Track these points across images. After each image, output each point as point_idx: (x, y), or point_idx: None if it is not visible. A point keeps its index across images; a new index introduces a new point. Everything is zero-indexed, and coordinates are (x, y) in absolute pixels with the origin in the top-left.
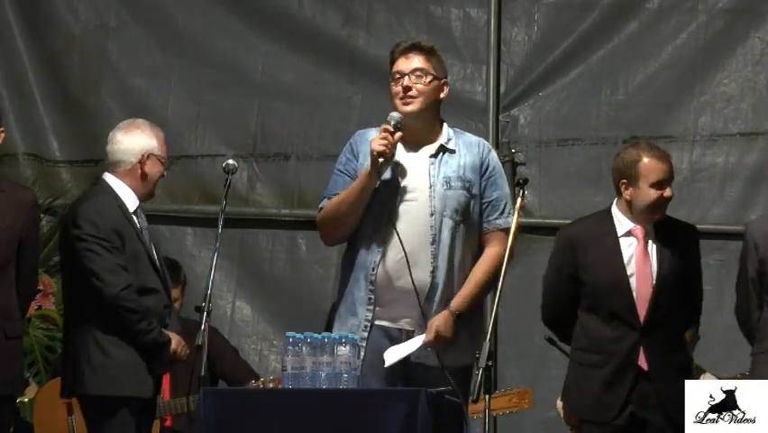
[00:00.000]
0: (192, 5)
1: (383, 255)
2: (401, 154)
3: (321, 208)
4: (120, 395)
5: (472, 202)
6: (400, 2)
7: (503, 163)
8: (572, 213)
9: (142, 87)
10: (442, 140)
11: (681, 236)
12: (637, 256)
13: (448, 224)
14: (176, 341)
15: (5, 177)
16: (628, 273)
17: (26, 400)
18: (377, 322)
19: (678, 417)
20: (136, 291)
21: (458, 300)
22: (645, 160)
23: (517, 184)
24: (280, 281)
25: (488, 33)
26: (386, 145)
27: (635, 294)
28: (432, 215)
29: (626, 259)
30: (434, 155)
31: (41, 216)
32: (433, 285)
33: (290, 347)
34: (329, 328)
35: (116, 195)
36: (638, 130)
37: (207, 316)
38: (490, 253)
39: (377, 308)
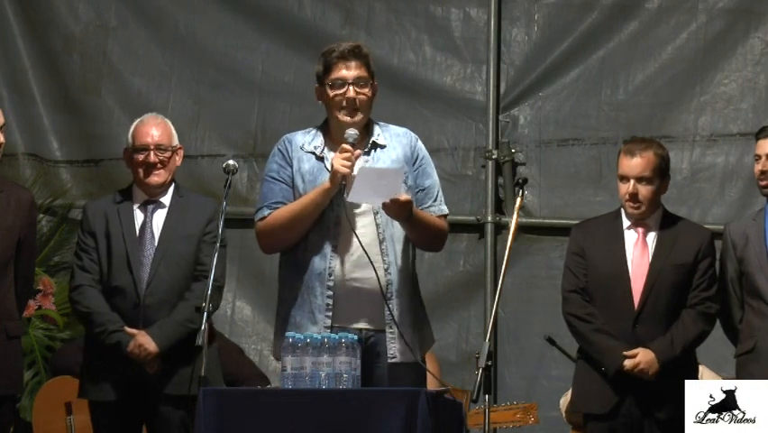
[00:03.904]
0: (192, 5)
1: (336, 259)
2: (334, 156)
3: (263, 218)
4: (85, 399)
5: (409, 193)
6: (400, 2)
7: (503, 163)
8: (572, 213)
9: (142, 87)
10: (372, 136)
11: (684, 235)
12: (633, 249)
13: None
14: (135, 343)
15: (5, 177)
16: (628, 264)
17: None
18: (336, 325)
19: (670, 410)
20: (103, 291)
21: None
22: (621, 153)
23: (517, 184)
24: None
25: (488, 33)
26: (350, 166)
27: (632, 285)
28: (377, 213)
29: (626, 250)
30: (367, 153)
31: (41, 216)
32: (388, 282)
33: (290, 347)
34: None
35: (126, 191)
36: (638, 130)
37: (208, 316)
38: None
39: (335, 313)
